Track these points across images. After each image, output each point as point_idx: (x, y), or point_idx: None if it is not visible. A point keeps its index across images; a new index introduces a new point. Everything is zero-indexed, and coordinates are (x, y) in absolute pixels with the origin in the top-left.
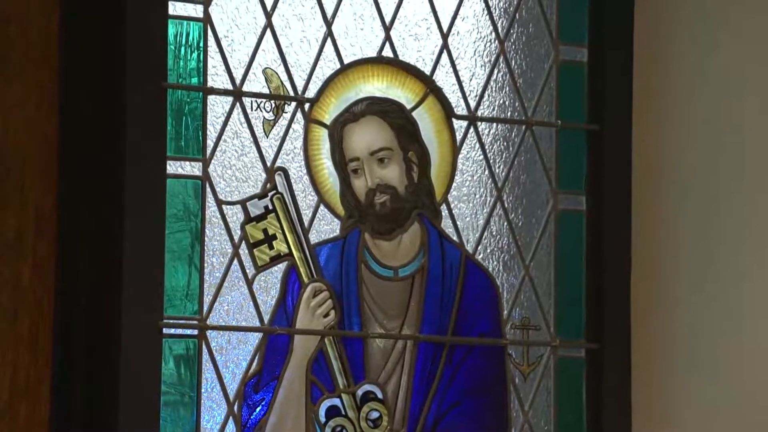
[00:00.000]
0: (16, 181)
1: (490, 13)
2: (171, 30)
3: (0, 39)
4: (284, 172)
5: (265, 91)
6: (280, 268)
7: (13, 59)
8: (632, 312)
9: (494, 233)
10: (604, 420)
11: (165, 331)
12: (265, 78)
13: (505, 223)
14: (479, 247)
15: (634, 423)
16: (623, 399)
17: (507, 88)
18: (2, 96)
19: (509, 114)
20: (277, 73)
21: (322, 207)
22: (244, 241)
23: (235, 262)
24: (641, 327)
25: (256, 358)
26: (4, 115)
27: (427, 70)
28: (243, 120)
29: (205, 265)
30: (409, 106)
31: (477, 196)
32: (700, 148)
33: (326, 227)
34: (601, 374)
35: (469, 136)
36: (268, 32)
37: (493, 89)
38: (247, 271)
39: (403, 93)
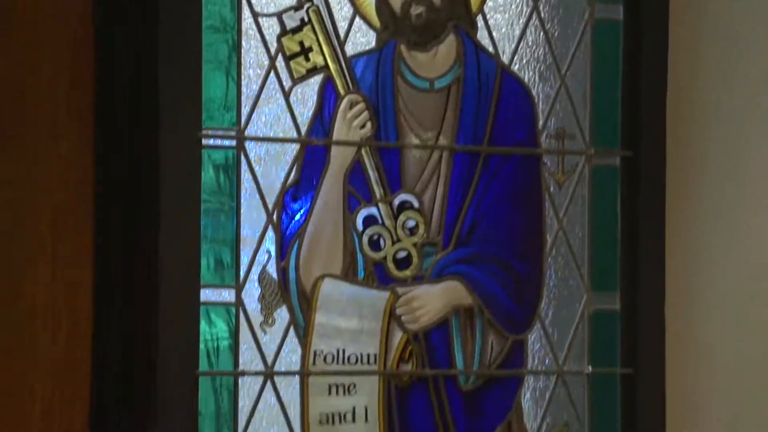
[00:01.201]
0: (52, 11)
1: None
2: None
3: None
4: None
5: None
6: (316, 80)
7: None
8: (668, 120)
9: (530, 43)
10: (638, 227)
11: (204, 142)
12: None
13: (541, 33)
14: (515, 58)
15: (668, 229)
16: (657, 206)
17: None
18: None
19: None
20: None
21: (357, 19)
22: (280, 53)
23: (272, 74)
24: (676, 135)
25: (294, 168)
26: None
27: None
28: None
29: (242, 77)
30: None
31: (513, 6)
32: None
33: (362, 39)
34: (635, 182)
35: None
36: None
37: None
38: (284, 83)
39: None
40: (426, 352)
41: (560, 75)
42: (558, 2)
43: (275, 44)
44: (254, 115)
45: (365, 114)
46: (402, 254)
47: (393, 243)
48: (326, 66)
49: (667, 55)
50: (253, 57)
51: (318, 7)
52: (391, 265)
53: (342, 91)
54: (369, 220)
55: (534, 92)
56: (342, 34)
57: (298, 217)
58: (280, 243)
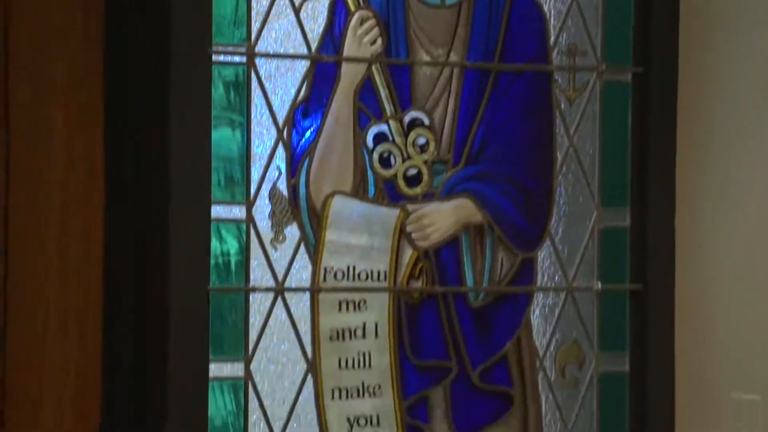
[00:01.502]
0: None
1: None
2: None
3: None
4: None
5: None
6: None
7: None
8: (680, 35)
9: None
10: (648, 143)
11: (214, 58)
12: None
13: None
14: None
15: (679, 144)
16: (668, 122)
17: None
18: None
19: None
20: None
21: None
22: None
23: None
24: (688, 50)
25: (305, 85)
26: None
27: None
28: None
29: None
30: None
31: None
32: None
33: None
34: (647, 98)
35: None
36: None
37: None
38: None
39: None
40: (436, 269)
41: None
42: None
43: None
44: (264, 31)
45: (376, 30)
46: (412, 171)
47: (403, 160)
48: None
49: None
50: None
51: None
52: (401, 183)
53: (352, 7)
54: (379, 137)
55: (545, 8)
56: None
57: (308, 134)
58: (291, 160)
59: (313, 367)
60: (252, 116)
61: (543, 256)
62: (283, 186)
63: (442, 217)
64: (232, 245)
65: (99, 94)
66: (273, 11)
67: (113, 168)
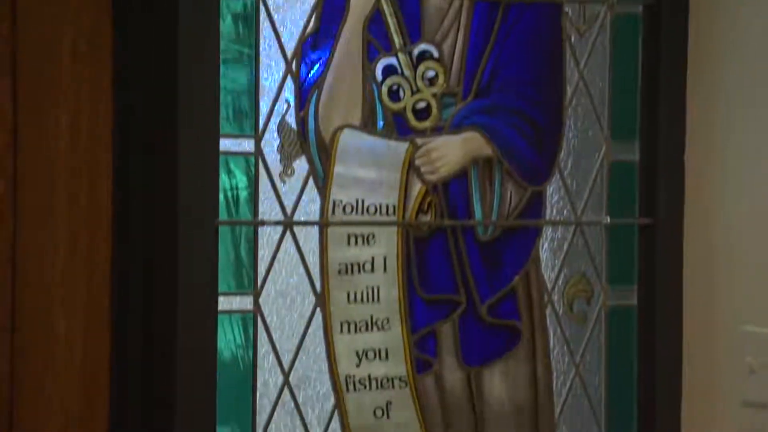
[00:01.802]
0: None
1: None
2: None
3: None
4: None
5: None
6: None
7: None
8: None
9: None
10: (659, 76)
11: None
12: None
13: None
14: None
15: (689, 78)
16: (679, 55)
17: None
18: None
19: None
20: None
21: None
22: None
23: None
24: None
25: (313, 17)
26: None
27: None
28: None
29: None
30: None
31: None
32: None
33: None
34: (657, 31)
35: None
36: None
37: None
38: None
39: None
40: (445, 202)
41: None
42: None
43: None
44: None
45: None
46: (421, 105)
47: (412, 93)
48: None
49: None
50: None
51: None
52: (410, 116)
53: None
54: (388, 70)
55: None
56: None
57: (317, 66)
58: (299, 93)
59: (321, 300)
60: (260, 48)
61: (552, 190)
62: (291, 119)
63: (451, 151)
64: (241, 179)
65: (108, 22)
66: None
67: (121, 104)
